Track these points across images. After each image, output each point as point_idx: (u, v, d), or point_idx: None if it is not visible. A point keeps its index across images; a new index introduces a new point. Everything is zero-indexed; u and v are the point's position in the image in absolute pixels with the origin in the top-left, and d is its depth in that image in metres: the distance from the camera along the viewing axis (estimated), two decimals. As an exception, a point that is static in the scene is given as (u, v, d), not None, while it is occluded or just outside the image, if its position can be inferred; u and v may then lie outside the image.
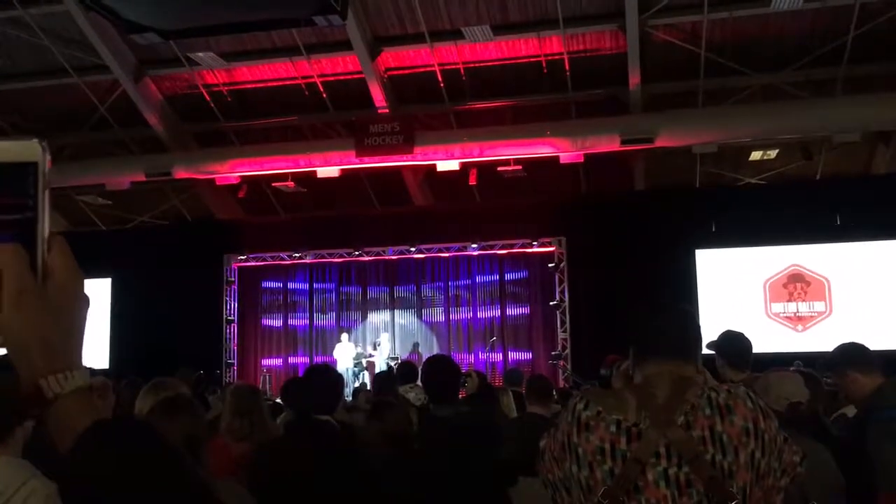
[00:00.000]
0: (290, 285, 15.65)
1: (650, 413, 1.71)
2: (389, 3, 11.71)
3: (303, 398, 3.65)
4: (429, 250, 14.66)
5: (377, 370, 12.58)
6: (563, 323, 13.63)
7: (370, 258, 14.95)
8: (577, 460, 1.72)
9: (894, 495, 2.80)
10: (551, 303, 13.83)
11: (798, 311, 12.62)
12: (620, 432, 1.70)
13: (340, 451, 3.23)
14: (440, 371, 3.66)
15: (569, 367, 13.31)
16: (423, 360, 4.99)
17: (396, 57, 12.68)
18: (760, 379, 2.92)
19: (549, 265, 13.90)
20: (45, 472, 2.23)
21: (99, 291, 15.27)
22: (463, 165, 12.76)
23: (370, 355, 14.14)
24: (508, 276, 14.66)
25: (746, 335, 3.78)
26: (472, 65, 12.67)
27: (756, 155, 13.42)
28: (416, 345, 14.62)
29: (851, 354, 3.30)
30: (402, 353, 14.27)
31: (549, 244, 13.95)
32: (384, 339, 14.39)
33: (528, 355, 14.37)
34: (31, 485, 2.13)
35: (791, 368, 3.49)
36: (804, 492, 2.49)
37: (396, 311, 15.17)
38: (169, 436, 2.38)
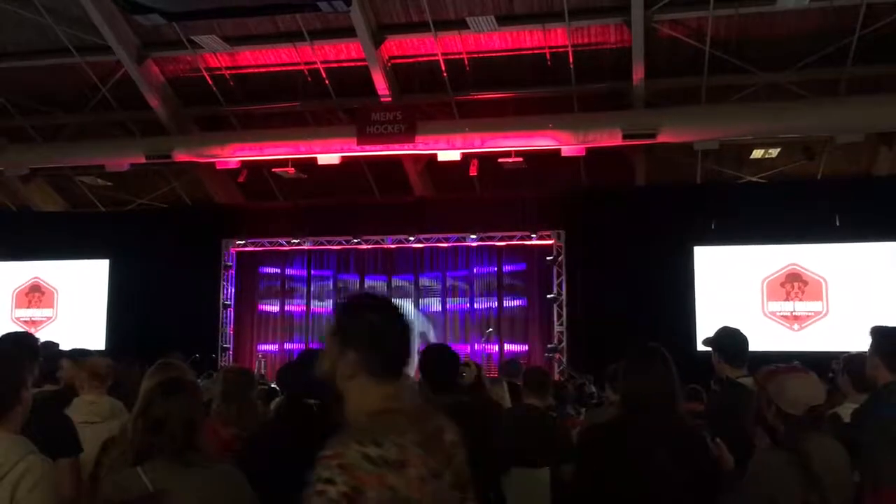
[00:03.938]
0: (288, 271, 15.63)
1: None
2: (394, -9, 11.69)
3: (294, 381, 3.65)
4: (427, 240, 14.64)
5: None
6: (559, 316, 13.65)
7: (369, 246, 14.94)
8: None
9: (883, 493, 2.81)
10: (548, 296, 13.84)
11: (795, 311, 12.64)
12: None
13: (331, 433, 3.23)
14: (440, 360, 3.66)
15: (564, 360, 13.33)
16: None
17: (400, 45, 12.64)
18: (774, 380, 2.72)
19: (548, 258, 13.90)
20: (44, 450, 2.25)
21: (97, 273, 15.28)
22: (464, 156, 12.74)
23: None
24: (506, 268, 14.65)
25: (743, 332, 3.78)
26: (475, 55, 12.63)
27: (758, 153, 13.42)
28: (422, 334, 14.63)
29: (884, 341, 3.24)
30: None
31: (548, 237, 13.95)
32: None
33: (524, 347, 14.39)
34: (28, 461, 2.15)
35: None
36: (825, 490, 2.48)
37: (393, 300, 15.11)
38: (167, 416, 2.40)
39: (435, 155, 12.83)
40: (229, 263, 15.20)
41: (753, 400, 2.78)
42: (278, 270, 15.68)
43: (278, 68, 13.35)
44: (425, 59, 12.78)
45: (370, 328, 1.69)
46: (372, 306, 1.78)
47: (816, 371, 3.72)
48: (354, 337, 1.68)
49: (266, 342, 15.49)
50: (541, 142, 12.19)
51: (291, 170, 13.58)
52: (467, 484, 1.63)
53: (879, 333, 3.30)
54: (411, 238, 14.53)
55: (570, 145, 12.15)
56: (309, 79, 13.36)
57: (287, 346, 15.32)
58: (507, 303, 14.64)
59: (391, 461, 1.47)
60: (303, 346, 14.95)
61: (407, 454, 1.50)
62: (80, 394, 3.90)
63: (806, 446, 2.53)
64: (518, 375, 6.03)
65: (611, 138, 11.92)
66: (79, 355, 4.57)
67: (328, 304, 15.41)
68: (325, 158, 13.07)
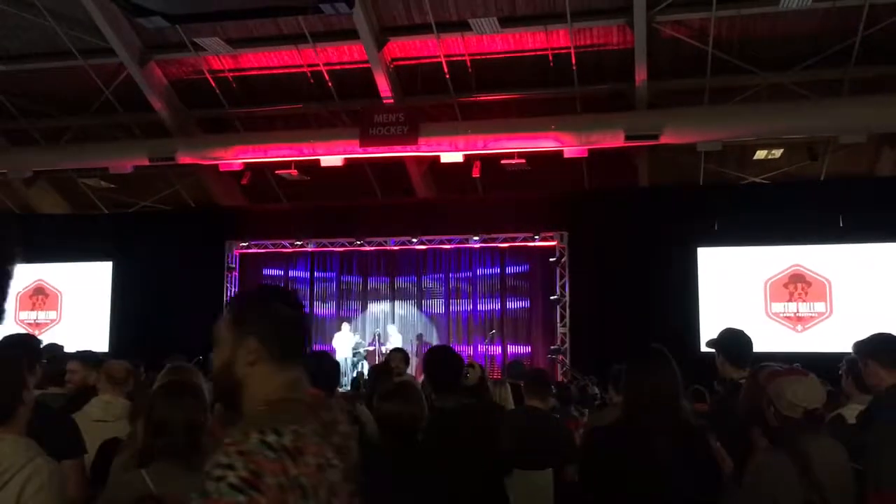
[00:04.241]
0: (291, 273, 15.65)
1: None
2: (397, -7, 11.70)
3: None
4: (430, 242, 14.66)
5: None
6: (562, 318, 13.64)
7: (372, 248, 14.96)
8: None
9: (884, 495, 2.80)
10: (551, 297, 13.83)
11: (798, 312, 12.62)
12: None
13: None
14: (444, 361, 3.65)
15: (567, 361, 13.33)
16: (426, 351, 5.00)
17: (403, 47, 12.65)
18: (774, 381, 2.72)
19: (551, 259, 13.90)
20: (49, 451, 2.25)
21: (100, 275, 15.30)
22: (466, 157, 12.74)
23: (371, 345, 14.15)
24: (509, 270, 14.67)
25: (747, 333, 3.77)
26: (478, 57, 12.64)
27: (761, 154, 13.40)
28: (420, 336, 14.67)
29: (878, 346, 3.21)
30: (405, 345, 14.27)
31: (551, 238, 13.95)
32: (392, 330, 14.38)
33: (528, 349, 14.39)
34: (35, 463, 2.15)
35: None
36: (824, 491, 2.48)
37: (397, 302, 15.18)
38: (170, 419, 2.40)
39: (438, 156, 12.84)
40: (232, 265, 15.23)
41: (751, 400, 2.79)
42: (281, 272, 15.71)
43: (281, 70, 13.37)
44: (428, 60, 12.79)
45: (271, 315, 1.69)
46: (270, 294, 1.75)
47: (821, 373, 3.72)
48: (255, 324, 1.67)
49: (269, 344, 15.47)
50: (543, 143, 12.19)
51: (294, 172, 13.60)
52: (356, 477, 1.64)
53: (866, 343, 3.28)
54: (414, 240, 14.54)
55: (572, 147, 12.15)
56: (311, 81, 13.38)
57: (290, 347, 15.29)
58: (510, 304, 14.66)
59: (289, 449, 1.48)
60: (306, 347, 14.92)
61: (305, 442, 1.50)
62: (98, 393, 3.98)
63: (804, 448, 2.54)
64: (521, 377, 6.03)
65: (613, 139, 11.91)
66: (89, 357, 4.60)
67: (331, 306, 15.44)
68: (327, 160, 13.08)
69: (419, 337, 14.68)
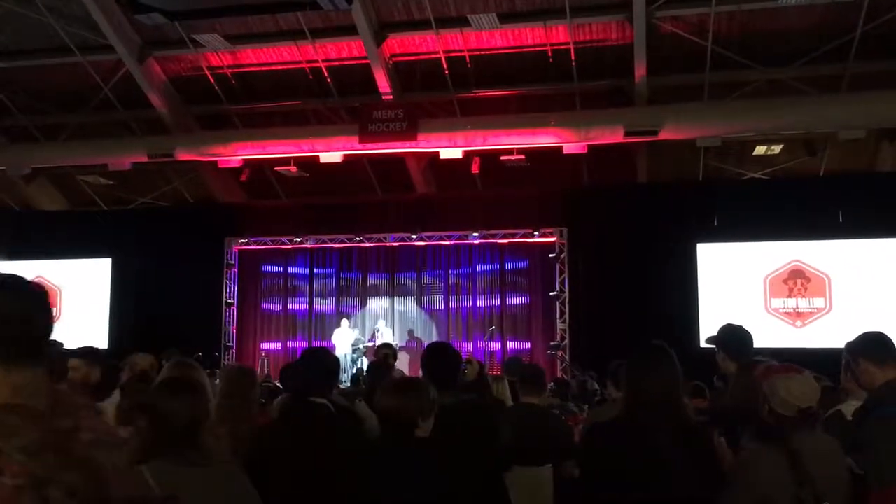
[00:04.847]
0: (291, 270, 15.65)
1: None
2: (396, -11, 11.68)
3: (298, 380, 3.65)
4: (430, 238, 14.65)
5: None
6: (562, 313, 13.63)
7: (371, 244, 14.95)
8: None
9: (890, 493, 2.80)
10: (551, 293, 13.83)
11: (798, 307, 12.62)
12: None
13: (335, 432, 3.25)
14: (442, 358, 3.65)
15: (567, 357, 13.33)
16: (423, 347, 5.00)
17: (402, 43, 12.63)
18: (768, 379, 2.73)
19: (550, 255, 13.89)
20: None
21: (99, 272, 15.30)
22: (466, 154, 12.72)
23: (370, 340, 14.16)
24: (509, 266, 14.66)
25: (747, 328, 3.77)
26: (477, 53, 12.63)
27: (760, 150, 13.40)
28: (410, 332, 14.70)
29: (867, 344, 3.21)
30: (400, 341, 14.29)
31: (551, 234, 13.93)
32: (381, 325, 14.40)
33: (527, 345, 14.39)
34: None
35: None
36: (816, 488, 2.48)
37: (396, 298, 15.18)
38: (171, 415, 2.39)
39: (437, 153, 12.82)
40: (232, 262, 15.22)
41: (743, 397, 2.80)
42: (281, 269, 15.71)
43: (280, 67, 13.35)
44: (427, 56, 12.77)
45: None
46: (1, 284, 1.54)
47: (820, 368, 3.71)
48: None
49: (269, 340, 15.51)
50: (543, 139, 12.17)
51: (293, 168, 13.58)
52: (99, 484, 1.42)
53: (857, 343, 3.28)
54: (414, 236, 14.53)
55: (572, 142, 12.13)
56: (311, 77, 13.36)
57: (290, 344, 15.35)
58: (509, 300, 14.65)
59: None
60: (306, 344, 14.97)
61: (6, 461, 1.32)
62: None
63: (796, 445, 2.55)
64: (516, 374, 6.02)
65: (613, 135, 11.89)
66: (91, 355, 4.60)
67: (331, 303, 15.45)
68: (327, 157, 13.06)
69: (410, 332, 14.71)
